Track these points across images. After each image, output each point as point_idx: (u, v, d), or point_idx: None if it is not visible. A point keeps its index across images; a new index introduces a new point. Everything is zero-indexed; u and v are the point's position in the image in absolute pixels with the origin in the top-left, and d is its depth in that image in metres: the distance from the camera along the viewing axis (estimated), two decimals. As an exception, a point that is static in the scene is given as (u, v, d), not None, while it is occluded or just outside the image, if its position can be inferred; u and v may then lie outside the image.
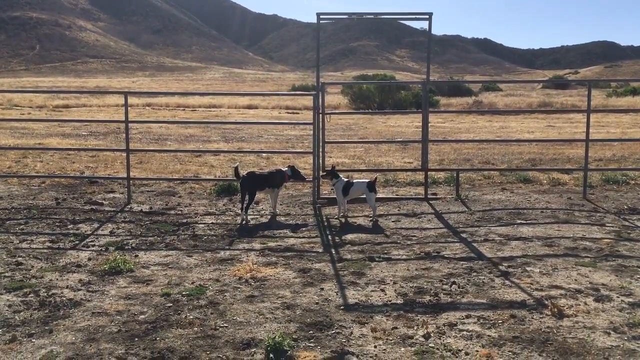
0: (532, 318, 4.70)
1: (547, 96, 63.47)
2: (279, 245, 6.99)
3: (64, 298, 5.17)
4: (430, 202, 9.35)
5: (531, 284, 5.55)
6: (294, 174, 8.72)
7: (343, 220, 8.31)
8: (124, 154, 10.41)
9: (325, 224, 8.18)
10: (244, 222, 8.12)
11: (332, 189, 8.95)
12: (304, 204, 9.41)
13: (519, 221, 8.04)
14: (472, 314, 4.81)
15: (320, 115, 9.23)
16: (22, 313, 4.83)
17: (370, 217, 8.34)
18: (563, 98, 58.88)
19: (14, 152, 14.77)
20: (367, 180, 8.32)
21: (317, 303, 5.08)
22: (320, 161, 9.35)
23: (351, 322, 4.64)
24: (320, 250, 6.84)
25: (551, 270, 5.95)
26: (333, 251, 6.77)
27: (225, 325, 4.58)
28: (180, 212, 8.84)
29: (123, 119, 9.76)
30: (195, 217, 8.52)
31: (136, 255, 6.54)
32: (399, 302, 5.12)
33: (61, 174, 12.04)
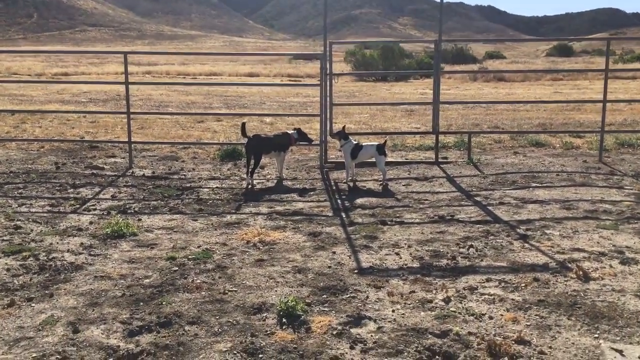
0: (557, 281, 4.48)
1: (552, 63, 62.82)
2: (287, 210, 6.75)
3: (65, 262, 4.95)
4: (441, 166, 9.08)
5: (552, 247, 5.32)
6: (301, 137, 8.43)
7: (351, 184, 8.05)
8: (125, 119, 10.14)
9: (334, 188, 7.93)
10: (249, 186, 7.87)
11: (339, 153, 8.68)
12: (311, 168, 9.15)
13: (534, 184, 7.78)
14: (493, 277, 4.58)
15: (328, 76, 8.89)
16: (21, 277, 4.61)
17: (380, 181, 8.08)
18: (569, 65, 58.28)
19: (13, 117, 14.47)
20: (376, 143, 8.03)
21: (329, 267, 4.85)
22: (328, 124, 9.04)
23: (366, 286, 4.42)
24: (330, 214, 6.60)
25: (572, 233, 5.71)
26: (343, 215, 6.53)
27: (234, 289, 4.36)
28: (183, 176, 8.58)
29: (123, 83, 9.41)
30: (200, 181, 8.27)
31: (139, 219, 6.31)
32: (415, 265, 4.90)
33: (60, 138, 11.76)
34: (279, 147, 8.20)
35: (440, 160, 9.35)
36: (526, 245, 5.38)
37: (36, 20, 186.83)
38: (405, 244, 5.46)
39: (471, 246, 5.35)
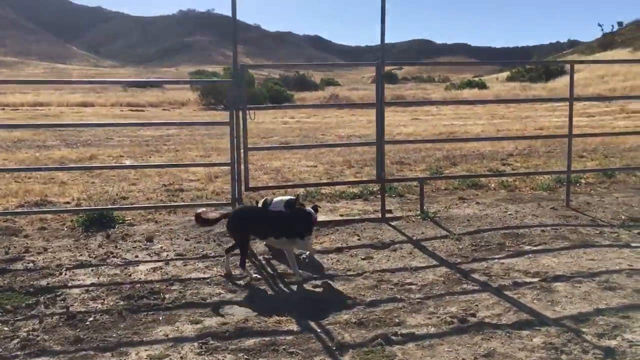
0: None
1: (390, 90, 65.06)
2: (223, 325, 4.26)
3: None
4: (391, 223, 7.06)
5: (667, 370, 3.51)
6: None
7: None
8: None
9: (268, 269, 5.57)
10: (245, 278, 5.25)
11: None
12: (222, 236, 6.65)
13: (526, 247, 6.04)
14: None
15: (241, 111, 6.52)
16: None
17: (330, 249, 5.90)
18: (406, 91, 60.75)
19: None
20: (287, 197, 5.85)
21: None
22: (243, 176, 6.64)
23: None
24: (294, 327, 4.25)
25: (663, 336, 3.97)
26: (316, 328, 4.22)
27: None
28: (32, 264, 5.68)
29: None
30: (61, 272, 5.44)
31: (-33, 379, 3.48)
32: None
33: None
34: (286, 231, 5.24)
35: (387, 215, 7.32)
36: (633, 371, 3.52)
37: None
38: (455, 388, 3.32)
39: (561, 384, 3.36)
